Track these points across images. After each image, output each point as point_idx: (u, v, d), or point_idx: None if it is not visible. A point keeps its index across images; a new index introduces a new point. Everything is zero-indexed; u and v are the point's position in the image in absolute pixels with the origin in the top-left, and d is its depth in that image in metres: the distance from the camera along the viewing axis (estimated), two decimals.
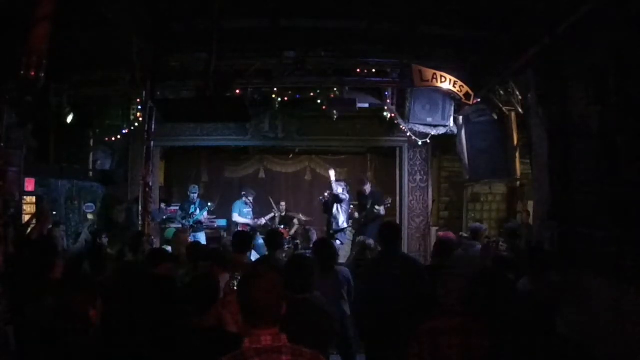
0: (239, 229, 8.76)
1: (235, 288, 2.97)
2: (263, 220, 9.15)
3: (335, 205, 8.49)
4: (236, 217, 9.09)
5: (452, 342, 2.67)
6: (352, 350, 4.17)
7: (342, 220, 8.46)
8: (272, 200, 9.80)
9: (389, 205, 8.57)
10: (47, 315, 3.08)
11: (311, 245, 5.45)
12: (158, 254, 4.22)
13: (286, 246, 8.84)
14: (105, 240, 6.94)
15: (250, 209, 9.21)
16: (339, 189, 8.43)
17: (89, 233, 7.86)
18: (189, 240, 6.72)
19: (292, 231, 9.29)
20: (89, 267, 4.34)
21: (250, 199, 9.22)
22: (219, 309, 2.94)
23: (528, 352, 2.78)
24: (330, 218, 8.57)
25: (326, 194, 8.73)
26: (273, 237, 5.02)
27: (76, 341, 2.71)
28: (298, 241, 7.57)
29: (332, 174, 8.62)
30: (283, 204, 9.97)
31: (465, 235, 6.70)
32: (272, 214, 9.54)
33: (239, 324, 2.72)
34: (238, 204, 9.18)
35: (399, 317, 3.78)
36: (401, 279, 3.90)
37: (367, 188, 8.42)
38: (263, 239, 8.07)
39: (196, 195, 8.91)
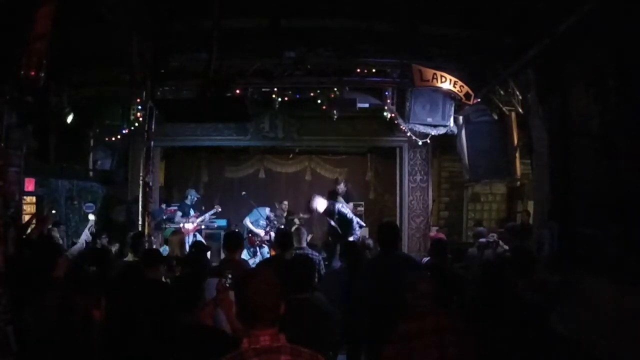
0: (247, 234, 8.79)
1: (227, 286, 2.99)
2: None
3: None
4: (247, 222, 8.91)
5: (428, 344, 2.65)
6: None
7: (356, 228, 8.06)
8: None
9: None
10: (49, 315, 3.09)
11: (303, 245, 5.45)
12: (152, 255, 4.22)
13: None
14: (105, 240, 6.95)
15: (266, 224, 8.93)
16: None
17: (89, 234, 7.87)
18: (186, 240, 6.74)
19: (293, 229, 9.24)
20: (95, 267, 4.34)
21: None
22: (212, 307, 2.94)
23: (528, 353, 2.78)
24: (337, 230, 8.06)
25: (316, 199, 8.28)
26: (283, 237, 4.98)
27: (79, 341, 2.72)
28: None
29: (319, 202, 8.12)
30: (285, 203, 9.96)
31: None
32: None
33: (232, 322, 2.73)
34: (256, 213, 8.90)
35: (398, 317, 3.79)
36: (401, 279, 3.89)
37: (340, 189, 8.38)
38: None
39: (195, 199, 9.04)
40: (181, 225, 8.73)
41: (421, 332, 2.68)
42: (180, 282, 2.93)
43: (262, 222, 8.95)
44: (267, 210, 9.11)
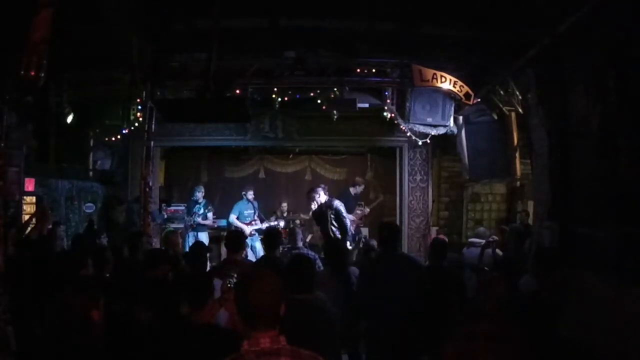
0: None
1: (229, 286, 2.98)
2: (263, 226, 8.78)
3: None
4: (233, 219, 8.84)
5: (490, 348, 2.62)
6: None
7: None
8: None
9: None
10: (48, 315, 3.09)
11: (299, 244, 5.45)
12: (156, 255, 4.22)
13: (286, 246, 8.89)
14: (104, 240, 6.94)
15: (252, 211, 8.90)
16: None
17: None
18: (180, 240, 6.70)
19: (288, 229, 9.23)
20: (92, 265, 4.35)
21: (251, 195, 8.96)
22: (216, 307, 2.94)
23: (533, 353, 2.77)
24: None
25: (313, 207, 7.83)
26: (271, 236, 5.02)
27: (77, 341, 2.71)
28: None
29: (320, 194, 7.65)
30: (285, 204, 9.96)
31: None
32: (275, 222, 9.16)
33: (237, 322, 2.72)
34: (239, 205, 8.95)
35: (400, 317, 3.79)
36: (401, 279, 3.90)
37: (354, 190, 8.35)
38: (260, 239, 8.02)
39: (201, 194, 8.91)
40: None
41: (486, 334, 2.65)
42: (191, 280, 2.93)
43: (247, 212, 8.82)
44: (248, 196, 8.96)
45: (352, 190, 9.09)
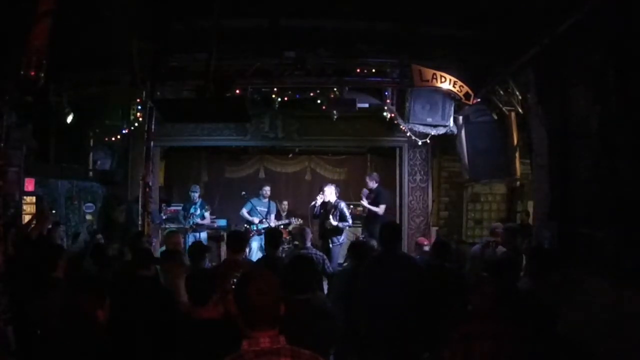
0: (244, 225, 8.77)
1: (233, 287, 2.98)
2: (273, 223, 8.85)
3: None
4: (243, 212, 8.92)
5: (486, 347, 2.63)
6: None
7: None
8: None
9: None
10: (52, 316, 3.08)
11: (308, 245, 5.46)
12: (146, 255, 4.23)
13: (286, 246, 8.88)
14: (100, 240, 6.94)
15: (266, 210, 8.95)
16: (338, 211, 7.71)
17: (88, 233, 7.88)
18: (182, 240, 6.69)
19: (290, 227, 9.24)
20: (95, 264, 4.35)
21: (267, 192, 9.04)
22: (220, 306, 2.95)
23: (529, 352, 2.78)
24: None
25: (318, 201, 7.92)
26: (273, 236, 5.02)
27: (83, 342, 2.71)
28: (297, 242, 7.44)
29: (330, 190, 7.84)
30: (285, 203, 9.95)
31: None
32: (287, 221, 9.21)
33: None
34: (253, 200, 8.98)
35: (400, 317, 3.79)
36: (402, 280, 3.90)
37: (371, 184, 8.28)
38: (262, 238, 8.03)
39: (197, 194, 8.90)
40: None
41: (482, 334, 2.67)
42: (196, 278, 2.94)
43: (260, 208, 8.90)
44: (264, 192, 9.08)
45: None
